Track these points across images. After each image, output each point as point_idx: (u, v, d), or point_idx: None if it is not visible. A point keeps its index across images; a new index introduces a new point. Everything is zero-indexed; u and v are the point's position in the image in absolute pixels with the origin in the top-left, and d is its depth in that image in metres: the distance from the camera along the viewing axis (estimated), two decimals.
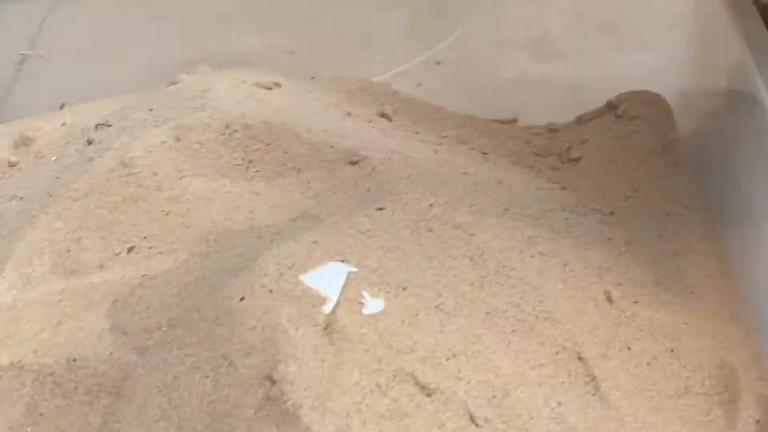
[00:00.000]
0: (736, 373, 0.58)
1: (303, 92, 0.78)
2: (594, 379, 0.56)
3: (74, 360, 0.56)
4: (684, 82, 0.83)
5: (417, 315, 0.56)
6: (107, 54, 0.90)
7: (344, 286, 0.55)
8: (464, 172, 0.71)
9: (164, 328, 0.56)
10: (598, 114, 0.81)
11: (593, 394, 0.55)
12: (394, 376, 0.52)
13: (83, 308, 0.60)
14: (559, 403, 0.54)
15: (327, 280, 0.56)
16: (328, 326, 0.53)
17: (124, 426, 0.52)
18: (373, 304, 0.55)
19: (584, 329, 0.58)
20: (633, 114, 0.78)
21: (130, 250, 0.64)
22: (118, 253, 0.63)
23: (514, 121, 0.83)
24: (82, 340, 0.57)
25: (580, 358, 0.57)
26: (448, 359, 0.54)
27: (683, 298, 0.63)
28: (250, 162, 0.69)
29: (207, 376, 0.52)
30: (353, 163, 0.70)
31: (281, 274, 0.55)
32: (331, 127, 0.72)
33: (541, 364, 0.56)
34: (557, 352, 0.57)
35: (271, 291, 0.54)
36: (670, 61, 0.87)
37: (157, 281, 0.61)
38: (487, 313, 0.57)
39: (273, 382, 0.50)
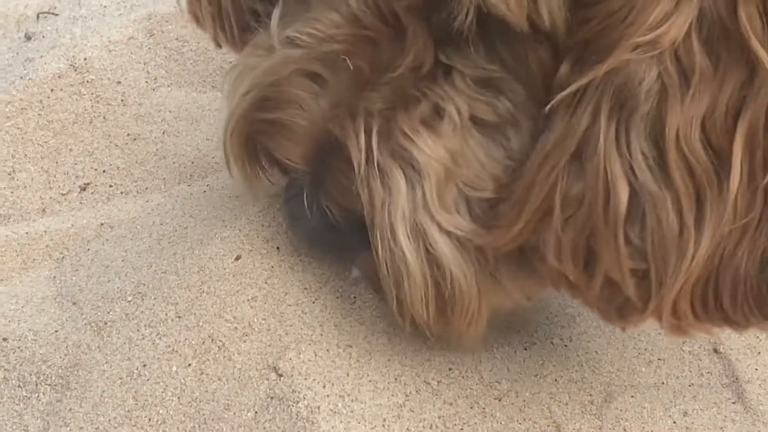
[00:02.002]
0: None
1: None
2: (736, 380, 0.56)
3: (4, 339, 0.56)
4: None
5: None
6: None
7: None
8: None
9: (129, 298, 0.57)
10: None
11: (734, 402, 0.55)
12: (449, 369, 0.52)
13: (18, 268, 0.61)
14: (685, 414, 0.53)
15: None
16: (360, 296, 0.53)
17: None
18: None
19: None
20: None
21: (83, 188, 0.64)
22: (67, 193, 0.64)
23: None
24: (16, 312, 0.58)
25: (716, 351, 0.56)
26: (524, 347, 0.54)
27: None
28: None
29: (188, 365, 0.52)
30: None
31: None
32: None
33: (660, 359, 0.56)
34: (684, 342, 0.56)
35: (278, 248, 0.54)
36: None
37: (120, 232, 0.61)
38: None
39: (279, 375, 0.50)
